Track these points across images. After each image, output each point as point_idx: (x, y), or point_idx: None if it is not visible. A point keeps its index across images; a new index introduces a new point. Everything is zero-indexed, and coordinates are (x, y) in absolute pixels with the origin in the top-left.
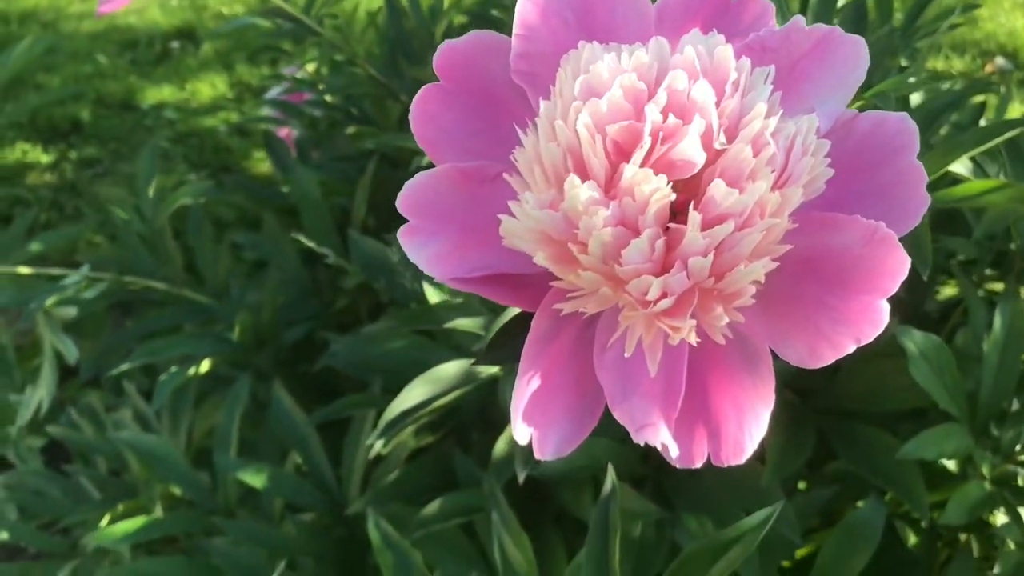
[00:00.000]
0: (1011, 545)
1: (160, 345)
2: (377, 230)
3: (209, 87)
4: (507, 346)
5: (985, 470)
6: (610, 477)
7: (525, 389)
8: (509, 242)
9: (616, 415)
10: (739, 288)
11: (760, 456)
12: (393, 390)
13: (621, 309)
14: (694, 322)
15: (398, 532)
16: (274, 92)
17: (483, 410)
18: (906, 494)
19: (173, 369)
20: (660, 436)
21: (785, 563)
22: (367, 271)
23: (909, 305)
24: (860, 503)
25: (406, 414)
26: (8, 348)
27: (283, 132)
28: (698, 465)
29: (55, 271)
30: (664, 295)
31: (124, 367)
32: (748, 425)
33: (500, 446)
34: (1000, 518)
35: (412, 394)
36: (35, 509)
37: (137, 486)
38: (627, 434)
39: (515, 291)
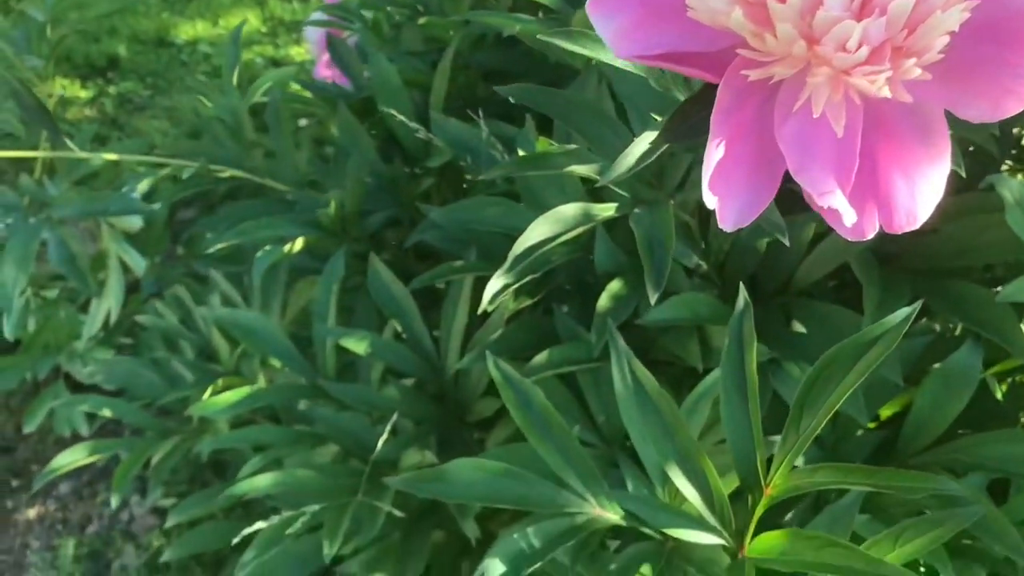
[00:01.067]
0: None
1: (251, 226)
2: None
3: (242, 21)
4: (684, 125)
5: None
6: (742, 295)
7: (711, 159)
8: (696, 14)
9: (798, 180)
10: (930, 41)
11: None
12: (490, 257)
13: (809, 70)
14: (890, 71)
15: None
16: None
17: (578, 273)
18: (1003, 338)
19: (267, 247)
20: (838, 202)
21: (884, 411)
22: (454, 148)
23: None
24: None
25: (532, 249)
26: (82, 256)
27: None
28: (869, 237)
29: (160, 159)
30: (860, 44)
31: (217, 247)
32: (921, 192)
33: (603, 301)
34: None
35: (536, 232)
36: (132, 391)
37: (228, 369)
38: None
39: (698, 66)
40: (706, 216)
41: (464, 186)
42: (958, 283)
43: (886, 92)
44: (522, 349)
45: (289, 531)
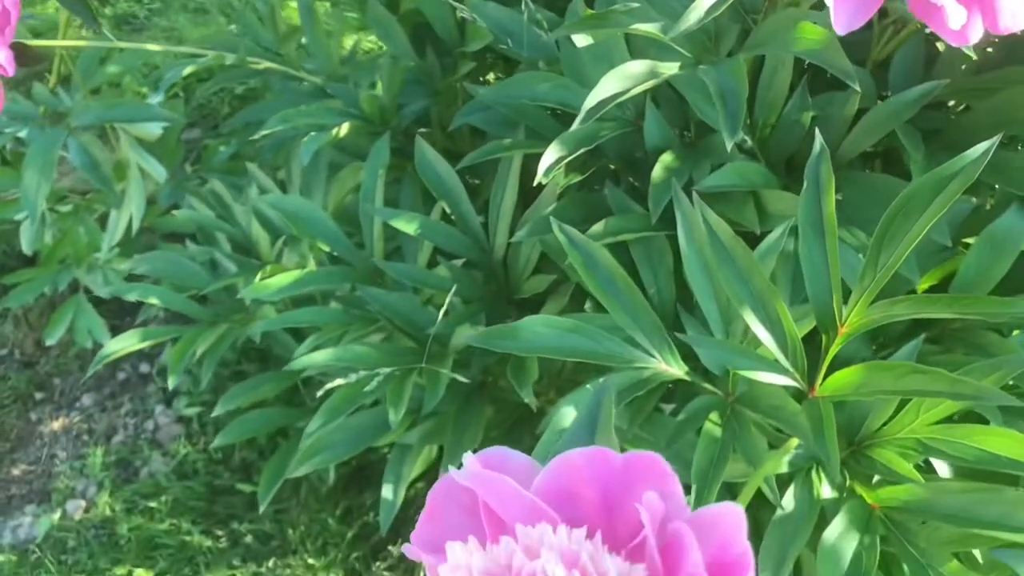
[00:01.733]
0: None
1: (292, 113)
2: None
3: None
4: None
5: None
6: (818, 140)
7: None
8: None
9: None
10: None
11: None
12: (538, 136)
13: None
14: None
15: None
16: None
17: (626, 150)
18: None
19: (312, 133)
20: (948, 2)
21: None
22: (494, 31)
23: None
24: None
25: (603, 103)
26: (105, 162)
27: None
28: (973, 40)
29: (196, 50)
30: None
31: (261, 133)
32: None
33: (657, 172)
34: None
35: (605, 87)
36: (177, 281)
37: (269, 261)
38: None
39: None
40: (751, 92)
41: (498, 75)
42: (999, 152)
43: None
44: (574, 223)
45: (366, 389)
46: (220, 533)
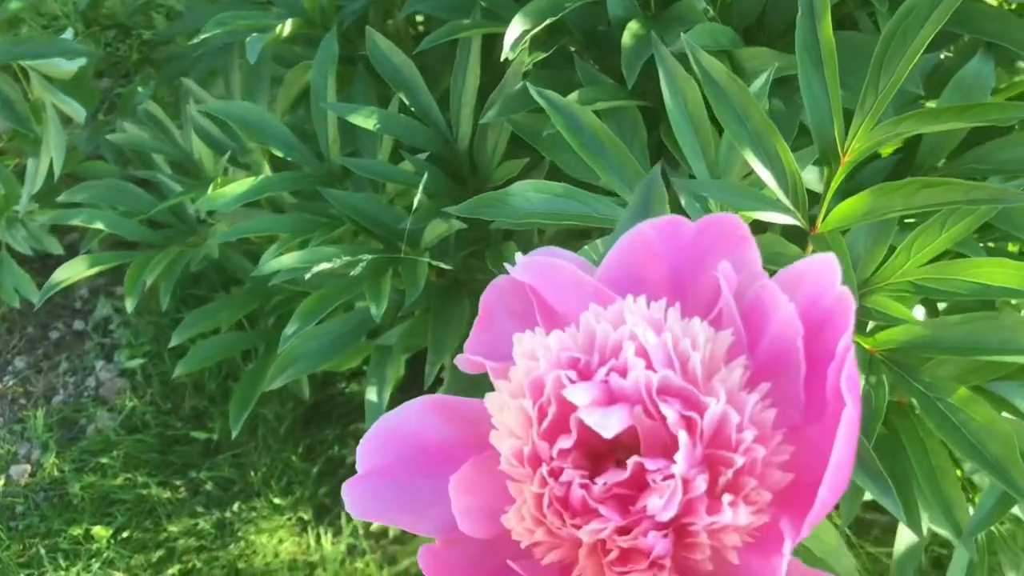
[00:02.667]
0: None
1: (230, 16)
2: None
3: None
4: None
5: None
6: None
7: None
8: None
9: None
10: None
11: None
12: (496, 15)
13: None
14: None
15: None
16: None
17: (589, 23)
18: (1009, 39)
19: (254, 35)
20: None
21: None
22: None
23: None
24: None
25: None
26: (19, 101)
27: None
28: None
29: None
30: None
31: (200, 38)
32: None
33: (626, 40)
34: None
35: None
36: (120, 206)
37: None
38: None
39: None
40: None
41: None
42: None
43: None
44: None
45: (353, 270)
46: (178, 483)
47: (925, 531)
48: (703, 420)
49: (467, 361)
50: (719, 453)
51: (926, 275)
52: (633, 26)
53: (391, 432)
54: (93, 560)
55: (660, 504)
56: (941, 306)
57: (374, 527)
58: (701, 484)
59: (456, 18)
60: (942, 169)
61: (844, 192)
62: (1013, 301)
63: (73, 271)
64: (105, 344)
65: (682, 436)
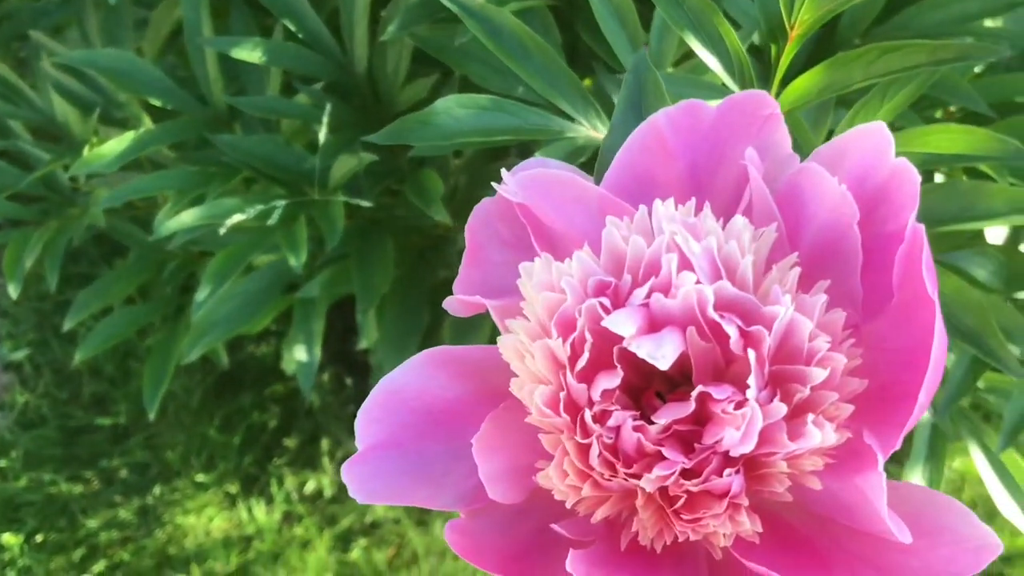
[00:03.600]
0: None
1: None
2: None
3: None
4: None
5: None
6: None
7: None
8: None
9: None
10: None
11: None
12: None
13: None
14: None
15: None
16: None
17: None
18: None
19: None
20: None
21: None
22: None
23: None
24: None
25: None
26: None
27: None
28: None
29: None
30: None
31: None
32: None
33: None
34: None
35: None
36: None
37: (85, 138)
38: None
39: None
40: None
41: None
42: None
43: None
44: (445, 8)
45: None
46: (89, 475)
47: None
48: (770, 333)
49: (459, 303)
50: (790, 368)
51: None
52: None
53: (393, 397)
54: (7, 570)
55: (737, 437)
56: None
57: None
58: (780, 407)
59: None
60: (867, 36)
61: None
62: None
63: None
64: None
65: (751, 355)
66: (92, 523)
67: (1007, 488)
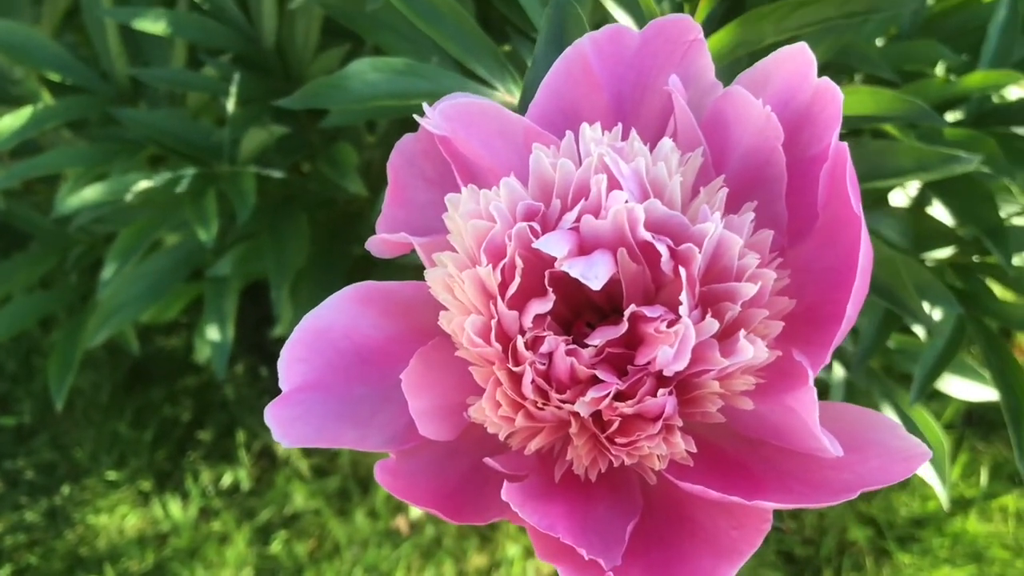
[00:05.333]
0: None
1: None
2: None
3: None
4: None
5: None
6: None
7: None
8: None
9: None
10: None
11: None
12: None
13: None
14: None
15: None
16: None
17: None
18: None
19: None
20: None
21: None
22: None
23: None
24: None
25: None
26: None
27: None
28: None
29: None
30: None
31: None
32: None
33: None
34: None
35: None
36: None
37: None
38: None
39: None
40: None
41: None
42: None
43: None
44: None
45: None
46: None
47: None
48: (700, 251)
49: (382, 242)
50: (721, 287)
51: None
52: None
53: (317, 337)
54: None
55: (670, 355)
56: None
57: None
58: (712, 323)
59: None
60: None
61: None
62: None
63: None
64: None
65: (683, 272)
66: None
67: None
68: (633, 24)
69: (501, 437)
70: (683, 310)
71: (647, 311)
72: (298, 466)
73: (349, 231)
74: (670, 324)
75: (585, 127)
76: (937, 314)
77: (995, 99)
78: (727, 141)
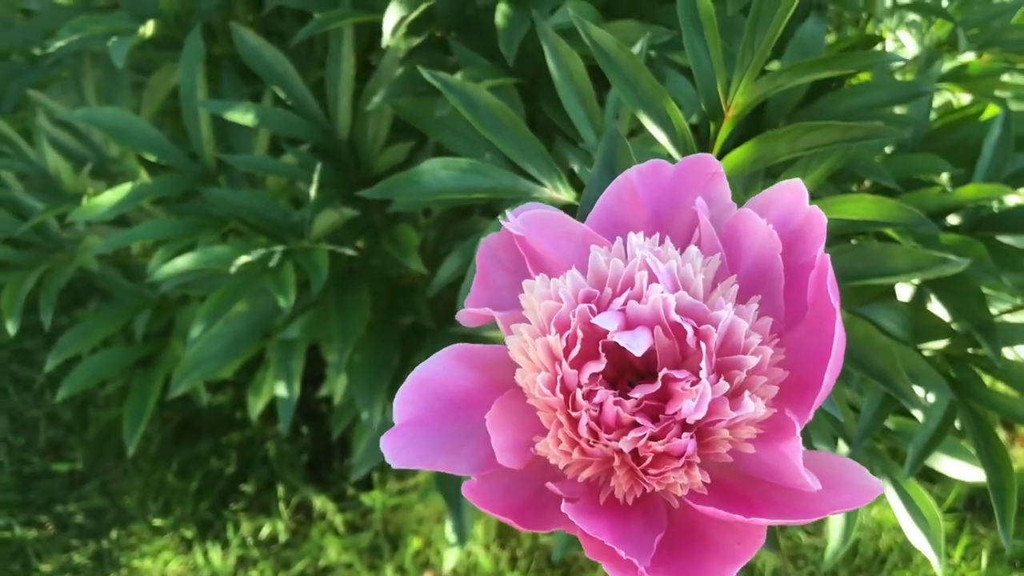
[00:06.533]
0: None
1: (85, 21)
2: None
3: None
4: None
5: None
6: None
7: None
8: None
9: None
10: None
11: None
12: (369, 6)
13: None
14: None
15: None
16: None
17: (458, 8)
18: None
19: (114, 38)
20: None
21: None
22: None
23: None
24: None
25: None
26: None
27: None
28: None
29: None
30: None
31: (55, 46)
32: None
33: (500, 20)
34: None
35: None
36: None
37: (79, 191)
38: None
39: None
40: None
41: None
42: None
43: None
44: (425, 84)
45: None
46: (44, 519)
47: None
48: (717, 331)
49: (469, 315)
50: (731, 358)
51: None
52: (503, 7)
53: (422, 384)
54: None
55: (692, 407)
56: None
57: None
58: (724, 385)
59: (323, 11)
60: (792, 117)
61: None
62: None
63: None
64: None
65: (703, 347)
66: (47, 567)
67: (914, 518)
68: (666, 139)
69: (560, 467)
70: (703, 374)
71: (676, 374)
72: (333, 521)
73: (403, 303)
74: (692, 384)
75: (631, 235)
76: (931, 398)
77: (996, 205)
78: (739, 249)
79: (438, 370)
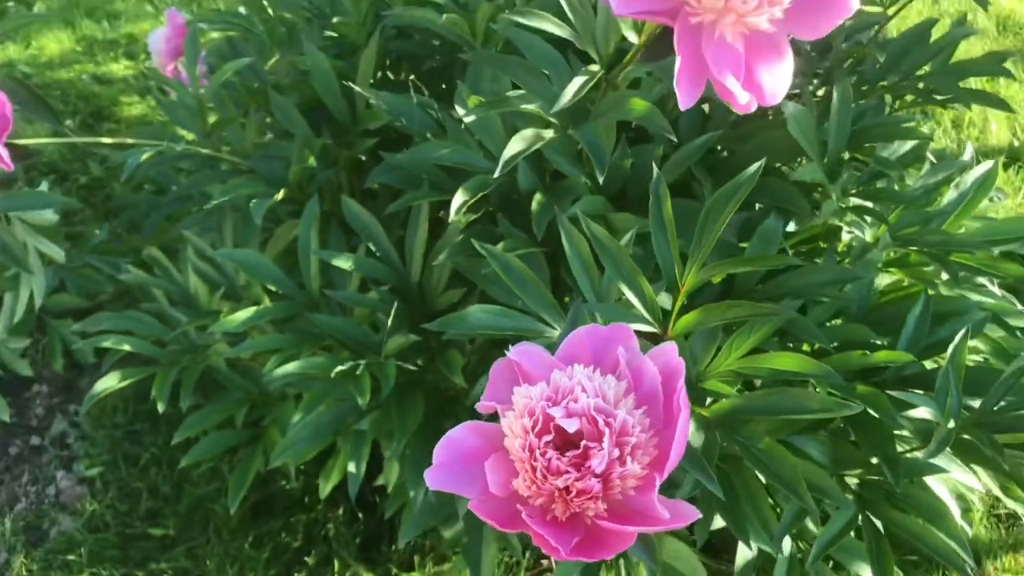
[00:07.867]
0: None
1: (235, 185)
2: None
3: (55, 43)
4: (651, 52)
5: (834, 196)
6: (656, 172)
7: (677, 69)
8: None
9: (717, 78)
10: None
11: None
12: (442, 188)
13: (724, 16)
14: (766, 12)
15: (469, 276)
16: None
17: (506, 193)
18: (792, 204)
19: (254, 201)
20: (737, 89)
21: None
22: (391, 114)
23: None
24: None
25: (514, 157)
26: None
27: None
28: (752, 109)
29: (137, 141)
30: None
31: (212, 204)
32: (778, 81)
33: (535, 207)
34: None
35: (513, 147)
36: (138, 331)
37: (210, 309)
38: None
39: (664, 16)
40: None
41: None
42: (761, 179)
43: (765, 26)
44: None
45: (337, 370)
46: (139, 574)
47: (755, 549)
48: (616, 422)
49: (484, 406)
50: (623, 439)
51: (742, 365)
52: (538, 196)
53: (451, 443)
54: None
55: (599, 463)
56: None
57: None
58: (616, 452)
59: (406, 188)
60: (757, 291)
61: (687, 309)
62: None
63: (108, 384)
64: (63, 456)
65: (606, 431)
66: None
67: None
68: (640, 304)
69: (525, 496)
70: (606, 445)
71: (591, 444)
72: None
73: (449, 410)
74: (600, 451)
75: (577, 366)
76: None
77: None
78: (640, 379)
79: (459, 435)
